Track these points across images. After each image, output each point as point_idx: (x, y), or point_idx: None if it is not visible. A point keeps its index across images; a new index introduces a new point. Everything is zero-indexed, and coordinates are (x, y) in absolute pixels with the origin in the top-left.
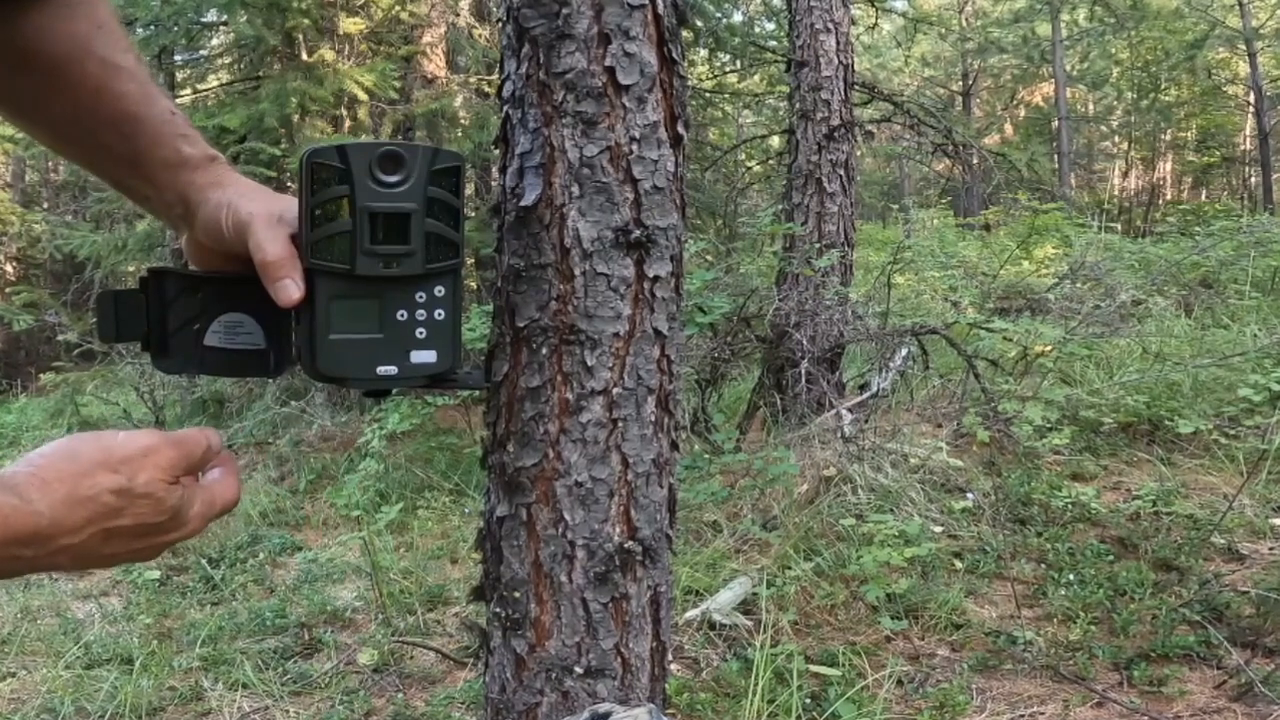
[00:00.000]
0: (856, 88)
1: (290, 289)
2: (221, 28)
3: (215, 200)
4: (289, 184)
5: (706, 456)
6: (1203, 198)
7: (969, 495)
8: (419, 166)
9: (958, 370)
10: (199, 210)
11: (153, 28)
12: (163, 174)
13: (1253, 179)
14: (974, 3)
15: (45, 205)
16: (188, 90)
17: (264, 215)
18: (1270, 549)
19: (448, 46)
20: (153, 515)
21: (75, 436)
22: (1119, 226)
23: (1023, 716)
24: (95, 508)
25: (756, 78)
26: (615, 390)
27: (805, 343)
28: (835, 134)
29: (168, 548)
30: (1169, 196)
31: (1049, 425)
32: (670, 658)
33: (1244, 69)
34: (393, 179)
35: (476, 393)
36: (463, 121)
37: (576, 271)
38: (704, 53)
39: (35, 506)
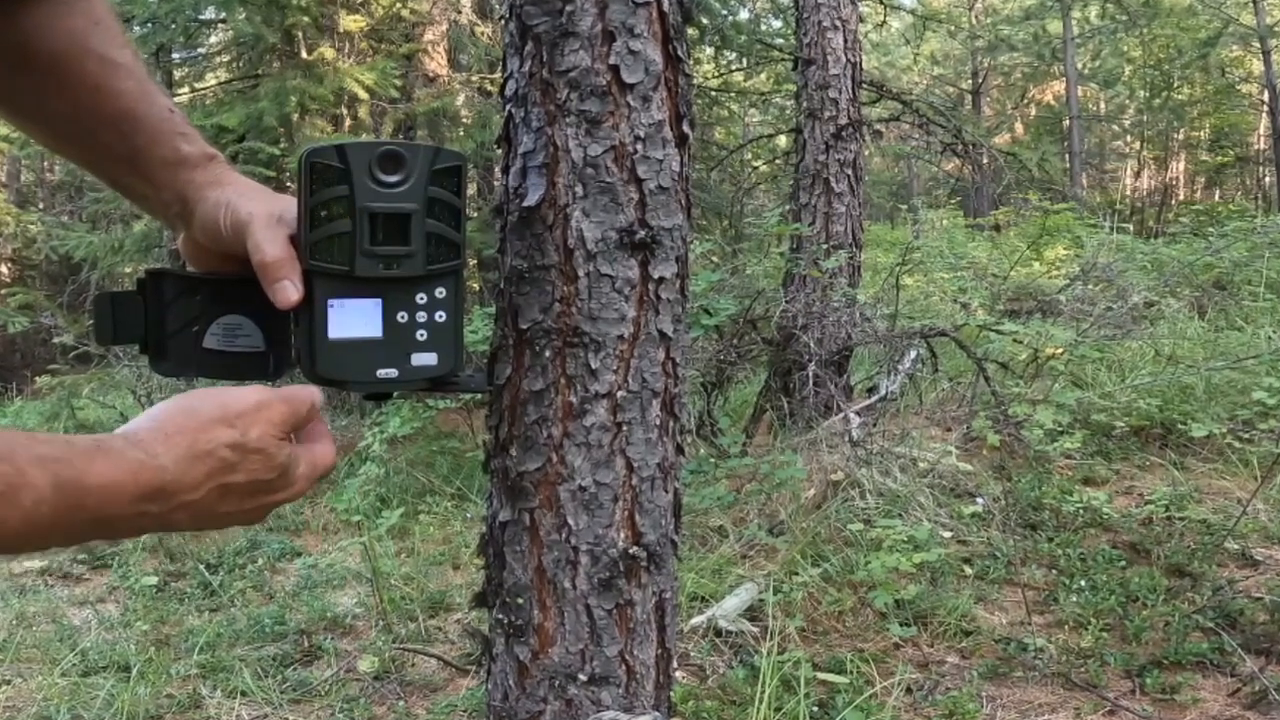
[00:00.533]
0: (864, 86)
1: (288, 290)
2: (220, 25)
3: (214, 199)
4: (288, 184)
5: (712, 461)
6: (1216, 198)
7: (979, 500)
8: (420, 166)
9: (967, 373)
10: (197, 209)
11: (150, 25)
12: (160, 172)
13: (1267, 179)
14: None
15: (41, 205)
16: (185, 88)
17: (263, 215)
18: None
19: (449, 44)
20: (264, 472)
21: (191, 393)
22: (1131, 227)
23: None
24: (213, 463)
25: (763, 76)
26: (619, 394)
27: (812, 345)
28: (843, 133)
29: (274, 509)
30: (1182, 196)
31: (1060, 429)
32: (675, 665)
33: (1258, 67)
34: (393, 179)
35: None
36: (465, 120)
37: (580, 273)
38: (709, 51)
39: (160, 461)
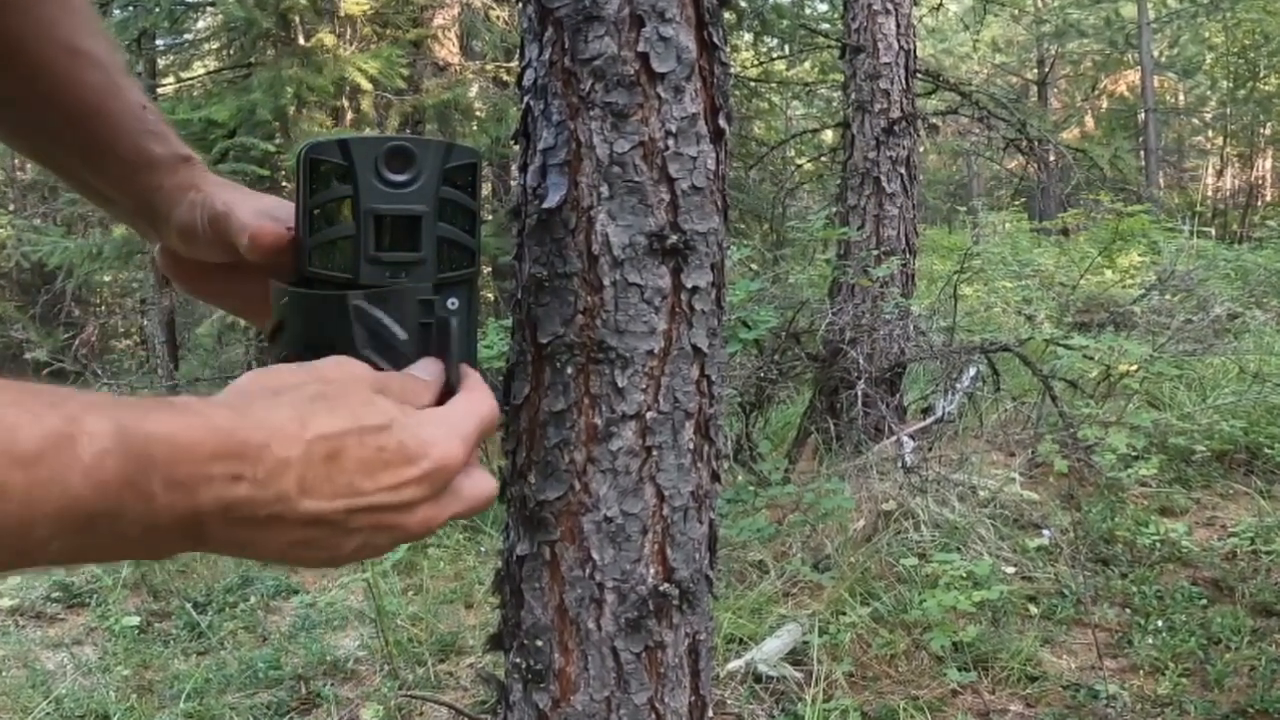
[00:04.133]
0: (919, 76)
1: (269, 226)
2: (209, 9)
3: (189, 201)
4: (284, 183)
5: (751, 489)
6: None
7: (1045, 532)
8: (430, 164)
9: (1032, 392)
10: (171, 215)
11: (131, 8)
12: (126, 175)
13: None
14: None
15: (11, 207)
16: (171, 79)
17: (245, 206)
18: None
19: (461, 30)
20: (367, 414)
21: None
22: (1213, 231)
23: None
24: (299, 404)
25: (807, 65)
26: (649, 414)
27: (862, 361)
28: (895, 127)
29: (421, 490)
30: (1269, 197)
31: (1134, 454)
32: (710, 714)
33: None
34: (400, 178)
35: None
36: (478, 114)
37: (605, 281)
38: (748, 37)
39: (234, 409)
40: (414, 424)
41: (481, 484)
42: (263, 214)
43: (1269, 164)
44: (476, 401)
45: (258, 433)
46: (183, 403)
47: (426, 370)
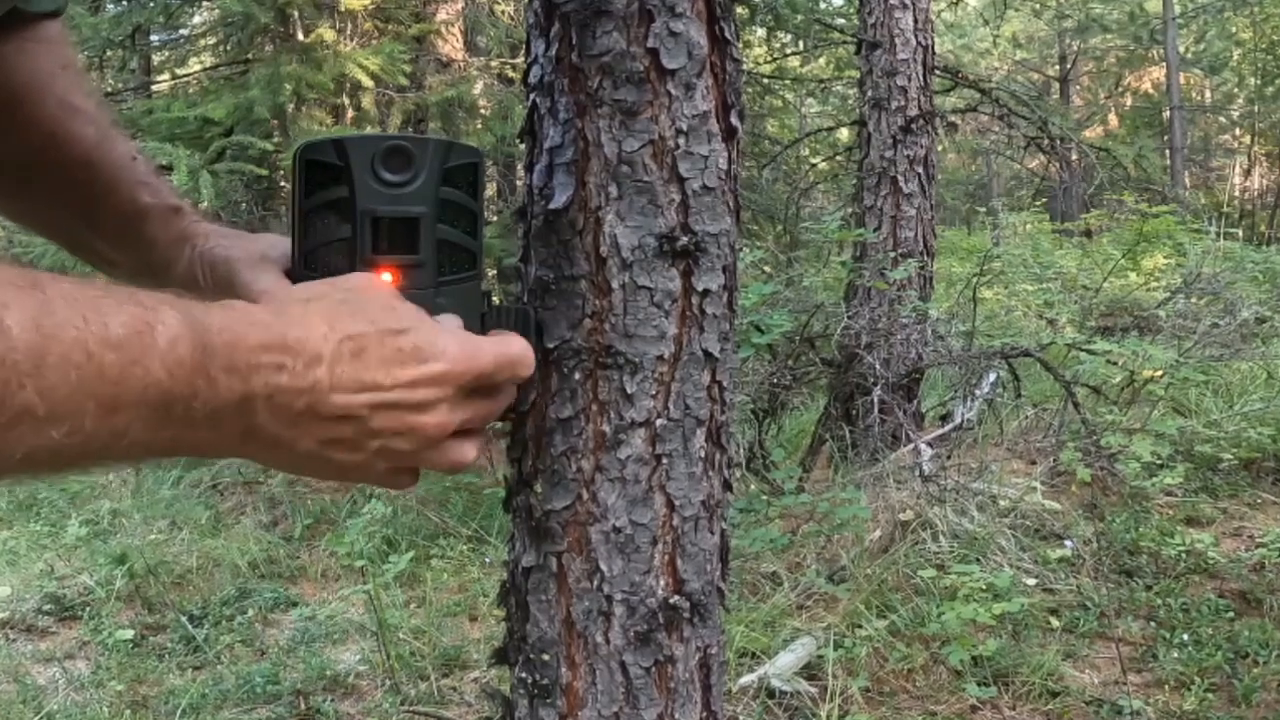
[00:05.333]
0: (937, 72)
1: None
2: (205, 3)
3: (186, 258)
4: (282, 183)
5: (764, 498)
6: None
7: (1067, 543)
8: (430, 163)
9: (1054, 398)
10: (171, 274)
11: (125, 3)
12: (122, 229)
13: None
14: None
15: None
16: (165, 76)
17: (245, 257)
18: None
19: (466, 25)
20: (387, 318)
21: None
22: (1240, 232)
23: None
24: (328, 309)
25: (822, 61)
26: (659, 422)
27: (878, 367)
28: (913, 126)
29: (434, 391)
30: None
31: (1160, 462)
32: None
33: None
34: (399, 178)
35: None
36: (483, 111)
37: (614, 284)
38: (761, 32)
39: (272, 311)
40: (429, 329)
41: (493, 403)
42: (262, 260)
43: None
44: (503, 340)
45: (295, 329)
46: (231, 303)
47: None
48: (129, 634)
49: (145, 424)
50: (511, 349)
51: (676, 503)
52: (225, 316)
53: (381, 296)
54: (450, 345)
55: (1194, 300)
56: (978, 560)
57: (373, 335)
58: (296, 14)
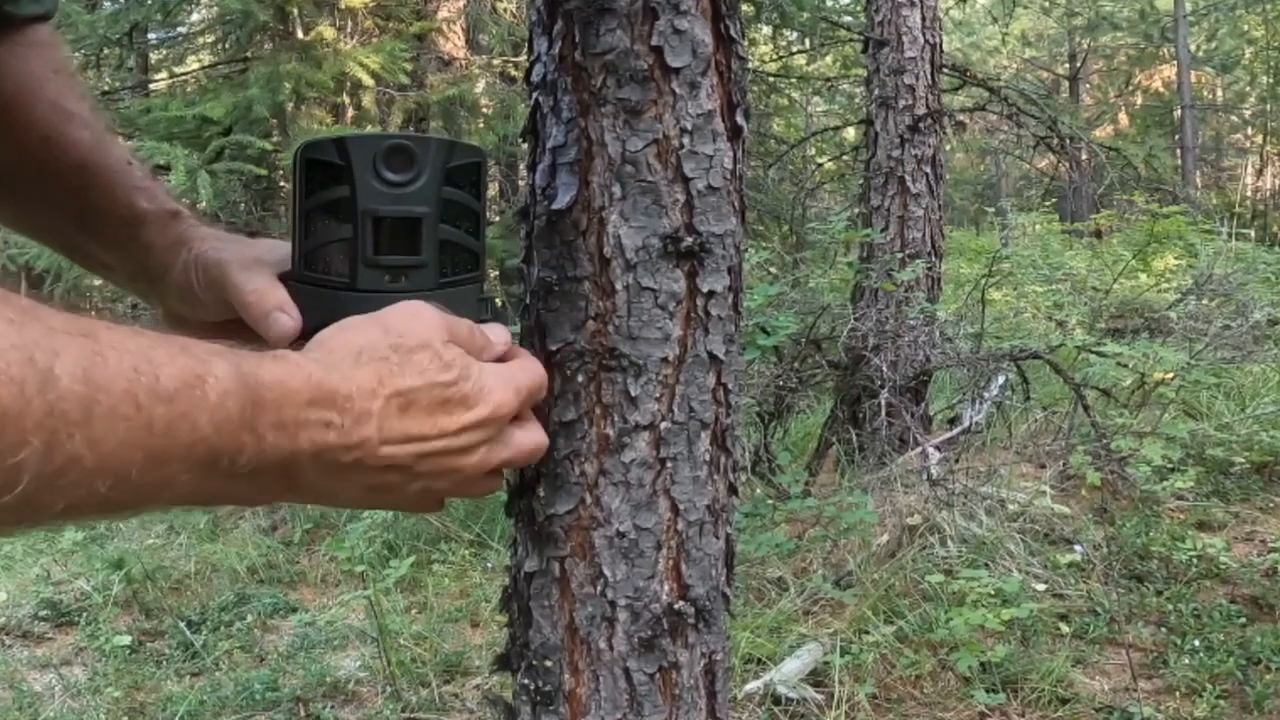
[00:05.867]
0: (945, 71)
1: (281, 320)
2: (203, 0)
3: (181, 262)
4: (281, 183)
5: (770, 502)
6: None
7: (1077, 547)
8: (432, 163)
9: (1064, 401)
10: (167, 279)
11: (123, 0)
12: (118, 233)
13: None
14: None
15: None
16: (163, 74)
17: (238, 260)
18: None
19: (467, 23)
20: (436, 370)
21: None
22: (1252, 233)
23: None
24: (377, 363)
25: (829, 59)
26: (663, 425)
27: (885, 369)
28: (920, 125)
29: (478, 434)
30: None
31: (1170, 465)
32: None
33: None
34: (401, 178)
35: None
36: (485, 110)
37: (618, 285)
38: (767, 30)
39: (326, 363)
40: (476, 373)
41: (533, 434)
42: (255, 264)
43: None
44: (529, 364)
45: (345, 385)
46: (283, 354)
47: (495, 332)
48: (126, 640)
49: (192, 476)
50: (536, 377)
51: (681, 507)
52: (276, 370)
53: (430, 340)
54: (494, 387)
55: (1205, 302)
56: (986, 565)
57: (422, 389)
58: (296, 11)
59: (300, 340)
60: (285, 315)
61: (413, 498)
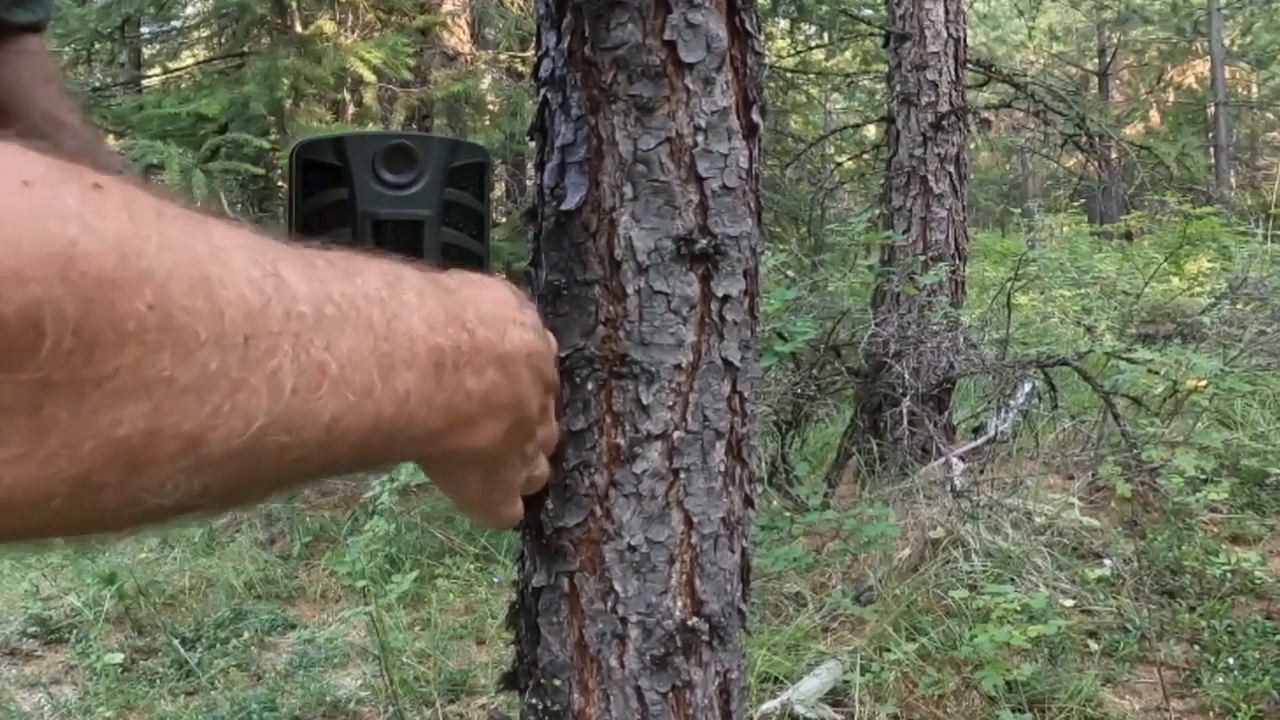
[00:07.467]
0: (969, 66)
1: None
2: None
3: None
4: (279, 183)
5: (787, 515)
6: None
7: (1106, 562)
8: (434, 163)
9: (1093, 410)
10: None
11: None
12: None
13: None
14: None
15: None
16: (156, 70)
17: None
18: None
19: (473, 16)
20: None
21: None
22: None
23: None
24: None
25: (848, 54)
26: (676, 434)
27: (907, 376)
28: (944, 122)
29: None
30: None
31: (1204, 476)
32: None
33: None
34: (401, 179)
35: None
36: (491, 107)
37: (629, 289)
38: (784, 24)
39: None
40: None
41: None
42: None
43: None
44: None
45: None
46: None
47: None
48: (118, 658)
49: (419, 385)
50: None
51: (695, 520)
52: (449, 275)
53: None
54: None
55: (1240, 306)
56: (1012, 580)
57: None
58: (295, 5)
59: None
60: None
61: (518, 472)
